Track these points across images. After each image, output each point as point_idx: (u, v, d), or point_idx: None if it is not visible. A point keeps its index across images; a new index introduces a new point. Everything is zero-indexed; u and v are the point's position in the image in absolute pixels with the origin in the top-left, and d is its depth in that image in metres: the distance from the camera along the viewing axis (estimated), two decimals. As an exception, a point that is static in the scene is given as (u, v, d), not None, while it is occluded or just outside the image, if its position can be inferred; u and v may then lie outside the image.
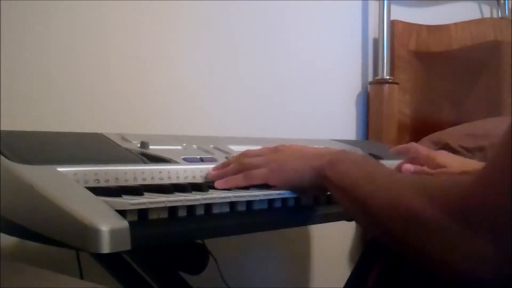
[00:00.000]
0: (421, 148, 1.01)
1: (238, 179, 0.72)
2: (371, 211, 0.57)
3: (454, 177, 0.52)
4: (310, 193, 0.75)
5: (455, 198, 0.47)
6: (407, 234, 0.52)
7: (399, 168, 0.98)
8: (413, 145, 1.03)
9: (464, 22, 1.76)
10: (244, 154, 0.79)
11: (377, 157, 1.14)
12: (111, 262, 0.82)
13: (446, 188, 0.50)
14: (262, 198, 0.69)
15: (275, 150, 0.78)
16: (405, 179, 0.60)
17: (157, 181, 0.70)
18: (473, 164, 0.96)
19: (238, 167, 0.74)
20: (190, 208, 0.61)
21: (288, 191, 0.73)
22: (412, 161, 0.99)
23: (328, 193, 0.76)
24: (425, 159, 0.97)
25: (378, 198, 0.57)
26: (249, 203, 0.67)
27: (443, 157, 0.98)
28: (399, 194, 0.54)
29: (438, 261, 0.49)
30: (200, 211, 0.62)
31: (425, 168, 0.96)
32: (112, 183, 0.65)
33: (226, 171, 0.75)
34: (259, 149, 0.81)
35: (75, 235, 0.51)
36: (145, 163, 0.73)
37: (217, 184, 0.71)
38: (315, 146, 0.81)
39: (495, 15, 1.98)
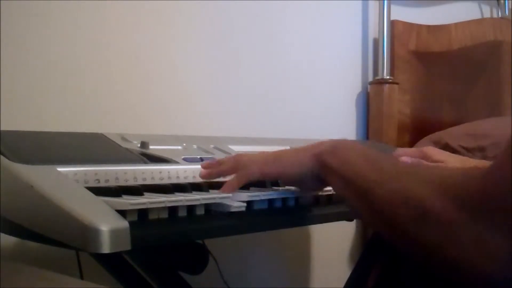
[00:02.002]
0: (409, 150, 1.00)
1: (233, 183, 0.68)
2: (376, 202, 0.54)
3: (469, 170, 0.50)
4: (308, 185, 0.72)
5: (471, 193, 0.45)
6: (418, 228, 0.49)
7: None
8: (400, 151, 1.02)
9: (464, 22, 1.76)
10: (239, 155, 0.76)
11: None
12: (111, 262, 0.82)
13: (462, 183, 0.48)
14: (262, 198, 0.69)
15: (270, 151, 0.74)
16: (417, 171, 0.57)
17: (157, 181, 0.70)
18: (471, 162, 0.95)
19: (233, 165, 0.71)
20: (190, 208, 0.61)
21: (288, 192, 0.73)
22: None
23: (329, 189, 0.74)
24: (421, 157, 0.96)
25: (385, 189, 0.54)
26: (249, 203, 0.67)
27: (439, 153, 0.97)
28: (410, 186, 0.51)
29: (451, 259, 0.46)
30: (200, 211, 0.62)
31: (422, 162, 0.95)
32: (112, 183, 0.65)
33: (221, 170, 0.72)
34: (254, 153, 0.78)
35: (75, 235, 0.51)
36: (145, 163, 0.73)
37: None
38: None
39: (495, 15, 1.98)
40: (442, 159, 0.93)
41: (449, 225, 0.46)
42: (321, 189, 0.75)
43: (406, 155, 0.96)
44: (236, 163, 0.71)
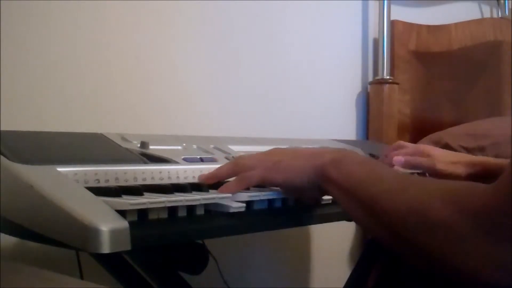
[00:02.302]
0: (407, 144, 1.02)
1: (232, 186, 0.68)
2: (381, 214, 0.55)
3: (476, 183, 0.50)
4: (308, 194, 0.72)
5: (479, 204, 0.46)
6: (423, 238, 0.49)
7: (388, 162, 0.98)
8: (400, 144, 1.03)
9: (464, 22, 1.76)
10: (239, 157, 0.75)
11: (377, 157, 1.15)
12: (111, 262, 0.82)
13: (469, 193, 0.48)
14: (262, 198, 0.69)
15: (269, 152, 0.73)
16: (421, 182, 0.57)
17: (157, 181, 0.70)
18: (460, 156, 0.96)
19: (232, 169, 0.71)
20: (190, 208, 0.61)
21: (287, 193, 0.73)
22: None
23: (327, 196, 0.73)
24: (413, 153, 0.97)
25: (389, 200, 0.54)
26: (249, 203, 0.67)
27: (431, 148, 0.98)
28: (416, 197, 0.52)
29: (457, 268, 0.47)
30: (200, 211, 0.62)
31: (417, 158, 0.96)
32: (112, 183, 0.65)
33: (218, 173, 0.72)
34: (253, 154, 0.77)
35: (75, 235, 0.51)
36: (145, 163, 0.73)
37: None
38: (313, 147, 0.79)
39: (495, 15, 1.98)
40: (431, 153, 0.94)
41: (455, 235, 0.46)
42: (320, 197, 0.74)
43: (405, 150, 0.97)
44: (236, 166, 0.71)
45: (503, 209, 0.44)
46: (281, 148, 0.76)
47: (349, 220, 0.89)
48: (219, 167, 0.74)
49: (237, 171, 0.70)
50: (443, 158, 0.95)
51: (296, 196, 0.72)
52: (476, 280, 0.46)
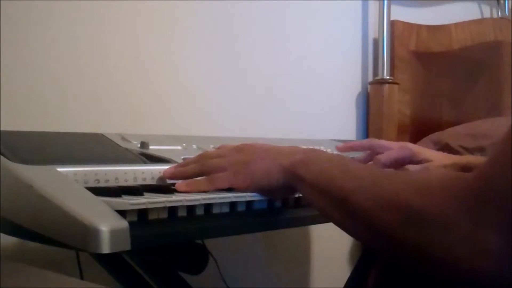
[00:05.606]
0: (388, 143, 0.94)
1: (202, 183, 0.67)
2: (355, 210, 0.54)
3: (454, 172, 0.49)
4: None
5: (458, 193, 0.45)
6: (405, 231, 0.48)
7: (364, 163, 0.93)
8: (374, 141, 0.95)
9: (464, 22, 1.76)
10: (205, 156, 0.73)
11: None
12: (111, 262, 0.82)
13: (447, 183, 0.48)
14: (262, 198, 0.69)
15: (238, 150, 0.71)
16: (396, 175, 0.56)
17: (157, 181, 0.70)
18: (455, 158, 0.94)
19: (200, 169, 0.69)
20: (190, 208, 0.61)
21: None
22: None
23: (298, 195, 0.71)
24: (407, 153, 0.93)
25: (365, 195, 0.53)
26: (249, 203, 0.67)
27: (426, 151, 0.94)
28: (392, 190, 0.51)
29: (441, 259, 0.46)
30: (200, 211, 0.62)
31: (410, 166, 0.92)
32: (112, 183, 0.65)
33: (185, 171, 0.70)
34: (220, 150, 0.76)
35: (75, 235, 0.51)
36: (145, 163, 0.73)
37: (178, 186, 0.66)
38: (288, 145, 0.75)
39: (495, 15, 1.98)
40: (430, 156, 0.90)
41: (438, 225, 0.46)
42: (292, 196, 0.72)
43: (390, 147, 0.93)
44: (203, 166, 0.69)
45: (488, 196, 0.43)
46: (249, 145, 0.73)
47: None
48: (184, 164, 0.72)
49: (205, 171, 0.68)
50: (440, 161, 0.92)
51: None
52: (461, 269, 0.45)
